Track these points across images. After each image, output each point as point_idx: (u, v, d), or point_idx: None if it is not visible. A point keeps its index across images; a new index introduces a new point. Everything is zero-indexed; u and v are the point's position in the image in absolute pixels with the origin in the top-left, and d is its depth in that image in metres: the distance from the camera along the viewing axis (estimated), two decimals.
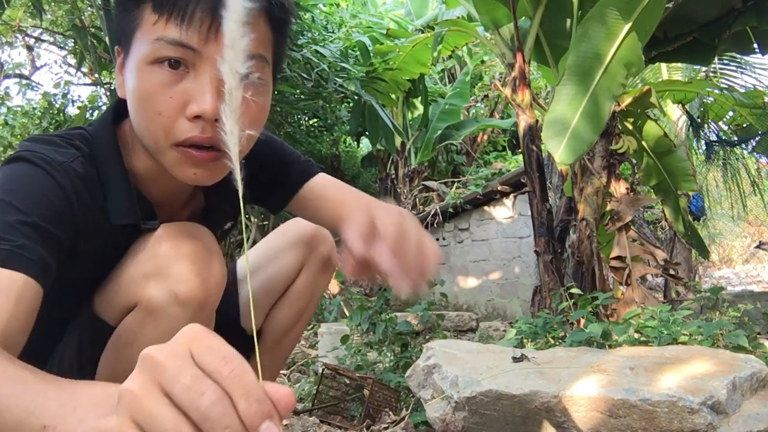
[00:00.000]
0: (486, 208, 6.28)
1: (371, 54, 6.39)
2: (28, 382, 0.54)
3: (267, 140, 1.07)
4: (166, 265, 0.84)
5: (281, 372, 2.61)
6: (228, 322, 1.19)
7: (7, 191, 0.73)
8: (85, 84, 8.84)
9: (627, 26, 2.41)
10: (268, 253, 1.25)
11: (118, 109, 0.88)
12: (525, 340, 2.20)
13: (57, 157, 0.79)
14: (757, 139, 4.23)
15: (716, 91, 4.18)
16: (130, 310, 0.86)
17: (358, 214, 0.84)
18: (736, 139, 4.58)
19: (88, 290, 0.92)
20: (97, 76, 6.20)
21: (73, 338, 0.91)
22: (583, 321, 2.20)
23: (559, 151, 2.49)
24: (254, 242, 6.24)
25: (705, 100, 4.62)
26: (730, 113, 4.38)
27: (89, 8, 5.31)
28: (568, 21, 3.09)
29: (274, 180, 1.07)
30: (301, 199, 1.06)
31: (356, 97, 6.42)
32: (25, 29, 6.97)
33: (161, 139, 0.78)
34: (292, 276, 1.23)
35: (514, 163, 7.87)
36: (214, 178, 0.82)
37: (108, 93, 4.96)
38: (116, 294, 0.88)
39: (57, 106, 7.33)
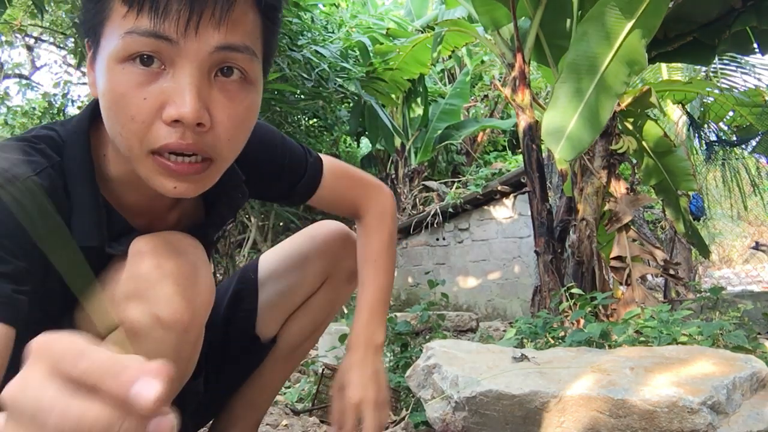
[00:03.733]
0: (486, 208, 6.28)
1: (371, 54, 6.39)
2: None
3: (268, 141, 1.02)
4: (148, 287, 0.76)
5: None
6: (242, 328, 1.16)
7: None
8: (84, 83, 8.83)
9: (629, 25, 2.41)
10: (293, 258, 1.17)
11: (96, 108, 0.77)
12: (525, 340, 2.20)
13: (19, 170, 0.69)
14: (757, 139, 4.23)
15: (716, 91, 4.18)
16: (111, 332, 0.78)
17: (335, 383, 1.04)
18: (736, 139, 4.58)
19: (62, 312, 0.83)
20: None
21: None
22: (582, 321, 2.20)
23: (558, 148, 2.49)
24: (254, 242, 6.24)
25: (705, 100, 4.62)
26: (730, 113, 4.38)
27: None
28: (568, 21, 3.10)
29: (279, 186, 1.05)
30: (315, 199, 1.08)
31: (356, 97, 6.42)
32: (25, 29, 6.97)
33: (135, 146, 0.68)
34: (315, 287, 1.17)
35: (514, 163, 7.87)
36: (198, 190, 0.73)
37: None
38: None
39: (57, 106, 7.33)
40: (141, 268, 0.77)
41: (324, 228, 1.18)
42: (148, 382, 0.28)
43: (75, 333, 0.31)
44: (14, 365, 0.67)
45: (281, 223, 7.25)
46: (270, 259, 1.22)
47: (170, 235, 0.81)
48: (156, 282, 0.77)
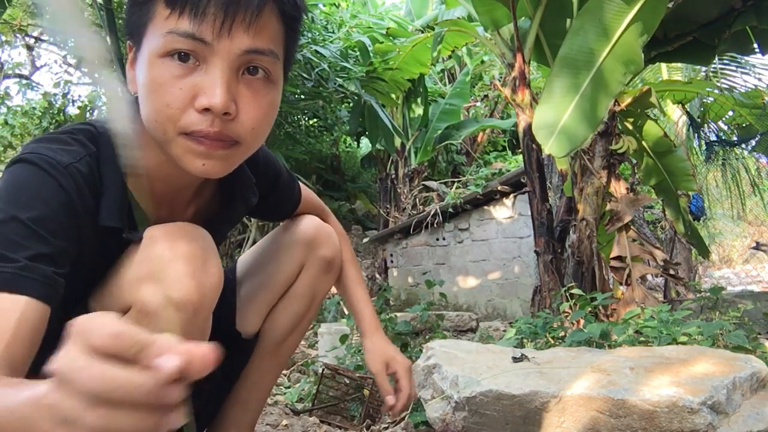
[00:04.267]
0: (486, 208, 6.28)
1: (371, 54, 6.39)
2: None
3: (266, 155, 1.14)
4: (161, 268, 0.82)
5: (282, 372, 2.60)
6: (223, 324, 1.17)
7: (11, 201, 0.73)
8: (85, 83, 8.83)
9: (626, 21, 2.40)
10: (268, 252, 1.22)
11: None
12: (525, 340, 2.20)
13: (62, 158, 0.78)
14: (757, 139, 4.23)
15: (716, 91, 4.19)
16: (125, 313, 0.84)
17: (379, 362, 1.19)
18: (736, 139, 4.58)
19: (81, 294, 0.89)
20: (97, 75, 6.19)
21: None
22: (582, 321, 2.20)
23: (549, 142, 2.47)
24: (254, 242, 6.24)
25: (705, 100, 4.62)
26: (730, 113, 4.38)
27: (90, 8, 5.31)
28: (568, 21, 3.09)
29: (272, 199, 1.17)
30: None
31: (356, 97, 6.43)
32: (25, 29, 6.97)
33: (169, 129, 0.77)
34: (291, 276, 1.20)
35: (514, 163, 7.88)
36: (223, 169, 0.82)
37: None
38: (111, 297, 0.86)
39: (57, 105, 7.33)
40: (154, 251, 0.82)
41: (296, 220, 1.24)
42: (170, 356, 0.38)
43: (108, 314, 0.39)
44: (49, 339, 0.71)
45: (281, 223, 7.24)
46: (246, 257, 1.27)
47: (182, 225, 0.87)
48: (168, 263, 0.81)
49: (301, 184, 1.27)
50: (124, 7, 0.87)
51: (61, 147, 0.80)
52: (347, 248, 1.31)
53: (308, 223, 1.22)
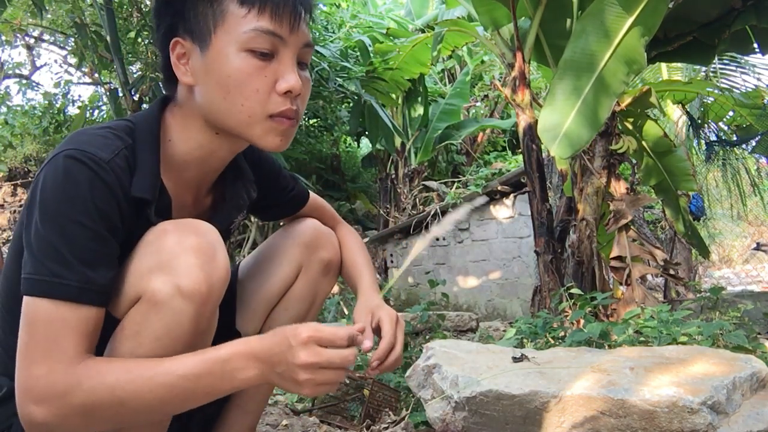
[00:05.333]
0: (486, 208, 6.28)
1: (371, 54, 6.39)
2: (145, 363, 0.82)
3: (269, 158, 1.22)
4: (171, 259, 0.85)
5: None
6: (223, 323, 1.16)
7: (67, 201, 0.81)
8: (85, 83, 8.83)
9: (628, 23, 2.40)
10: (268, 253, 1.24)
11: (166, 99, 0.99)
12: (525, 340, 2.20)
13: (104, 154, 0.85)
14: (757, 139, 4.23)
15: (716, 91, 4.18)
16: (134, 303, 0.87)
17: (363, 314, 1.10)
18: (736, 139, 4.58)
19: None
20: (97, 75, 6.20)
21: None
22: (582, 321, 2.20)
23: (554, 145, 2.48)
24: (254, 242, 6.24)
25: (705, 100, 4.62)
26: (730, 113, 4.38)
27: (90, 7, 5.31)
28: (568, 21, 3.09)
29: (272, 193, 1.23)
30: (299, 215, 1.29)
31: (356, 97, 6.43)
32: (25, 28, 6.97)
33: (258, 112, 0.90)
34: (290, 277, 1.21)
35: (514, 163, 7.87)
36: (288, 144, 0.95)
37: (108, 93, 4.95)
38: (122, 286, 0.88)
39: (57, 105, 7.33)
40: (165, 243, 0.87)
41: (296, 223, 1.26)
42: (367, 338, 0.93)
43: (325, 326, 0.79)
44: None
45: (281, 223, 7.24)
46: (248, 260, 1.29)
47: (191, 220, 0.92)
48: (178, 254, 0.85)
49: (312, 192, 1.32)
50: (162, 6, 0.95)
51: (102, 141, 0.87)
52: (353, 237, 1.32)
53: (307, 225, 1.24)
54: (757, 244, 8.28)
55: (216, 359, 0.81)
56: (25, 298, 0.81)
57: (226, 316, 1.18)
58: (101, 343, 0.88)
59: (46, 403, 0.77)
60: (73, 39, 5.78)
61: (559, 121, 2.48)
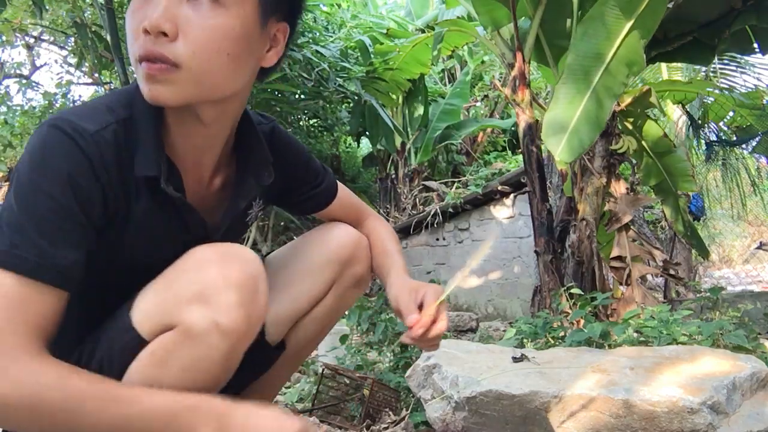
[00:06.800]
0: (486, 208, 6.28)
1: (371, 54, 6.38)
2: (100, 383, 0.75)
3: (295, 142, 1.13)
4: (213, 293, 0.81)
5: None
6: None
7: (38, 169, 0.76)
8: (85, 83, 8.84)
9: (628, 25, 2.40)
10: (303, 265, 1.19)
11: None
12: (525, 340, 2.20)
13: (89, 126, 0.80)
14: (757, 139, 4.23)
15: (716, 91, 4.18)
16: (167, 329, 0.83)
17: (405, 292, 1.05)
18: (736, 139, 4.58)
19: (130, 252, 0.90)
20: (97, 75, 6.20)
21: (105, 340, 0.88)
22: (582, 321, 2.20)
23: (558, 149, 2.48)
24: (254, 242, 6.24)
25: (705, 101, 4.62)
26: (731, 114, 4.38)
27: (90, 7, 5.31)
28: (568, 21, 3.09)
29: (297, 184, 1.14)
30: (326, 213, 1.20)
31: (356, 97, 6.42)
32: (25, 28, 6.96)
33: (132, 57, 0.81)
34: (322, 294, 1.18)
35: (514, 163, 7.87)
36: (172, 96, 0.81)
37: (108, 93, 4.94)
38: (157, 308, 0.85)
39: (57, 105, 7.33)
40: (208, 274, 0.82)
41: (335, 232, 1.19)
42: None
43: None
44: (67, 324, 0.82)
45: (281, 223, 7.25)
46: (279, 262, 1.22)
47: (235, 246, 0.87)
48: (221, 289, 0.81)
49: (340, 185, 1.23)
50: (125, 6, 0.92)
51: (90, 115, 0.82)
52: (385, 227, 1.27)
53: (345, 239, 1.18)
54: (760, 243, 8.28)
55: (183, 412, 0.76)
56: None
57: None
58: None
59: None
60: (73, 39, 5.78)
61: (564, 126, 2.49)
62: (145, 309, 0.86)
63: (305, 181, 1.15)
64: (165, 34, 0.77)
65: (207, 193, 0.97)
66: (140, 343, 0.85)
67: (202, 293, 0.81)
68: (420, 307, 1.03)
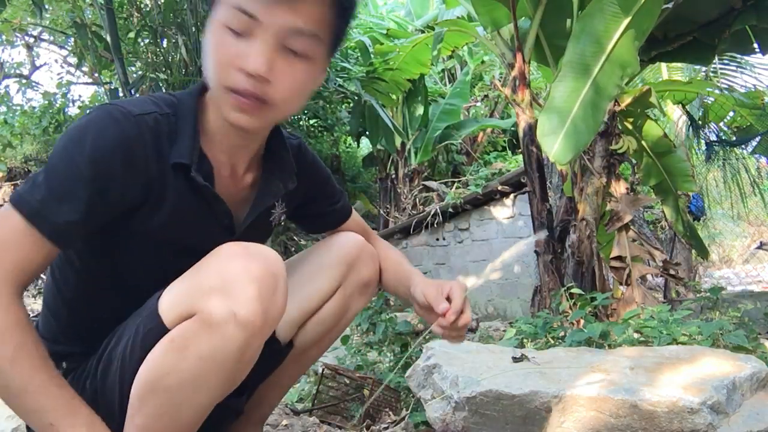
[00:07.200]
0: (486, 208, 6.28)
1: (371, 54, 6.38)
2: (46, 380, 0.82)
3: (318, 161, 1.25)
4: (233, 284, 0.85)
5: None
6: None
7: (73, 138, 0.87)
8: (85, 83, 8.83)
9: (624, 24, 2.40)
10: (311, 267, 1.25)
11: (204, 83, 1.02)
12: (525, 340, 2.20)
13: (133, 109, 0.91)
14: (757, 139, 4.23)
15: (716, 91, 4.18)
16: (188, 317, 0.87)
17: (432, 287, 1.14)
18: (736, 139, 4.58)
19: (163, 233, 0.96)
20: (97, 75, 6.20)
21: (133, 325, 0.93)
22: (582, 321, 2.20)
23: (553, 149, 2.47)
24: None
25: (705, 101, 4.62)
26: (731, 114, 4.38)
27: (90, 7, 5.31)
28: (568, 21, 3.09)
29: (315, 200, 1.24)
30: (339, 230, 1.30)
31: (356, 97, 6.43)
32: (25, 28, 6.97)
33: (217, 83, 0.91)
34: (329, 294, 1.23)
35: (514, 163, 7.87)
36: (253, 124, 0.93)
37: (108, 93, 4.95)
38: (181, 298, 0.90)
39: (57, 105, 7.33)
40: (231, 267, 0.87)
41: (342, 238, 1.26)
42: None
43: None
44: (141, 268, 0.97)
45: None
46: (289, 266, 1.26)
47: (261, 247, 0.92)
48: (241, 283, 0.86)
49: (353, 209, 1.36)
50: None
51: (138, 102, 0.94)
52: (394, 251, 1.40)
53: (351, 242, 1.25)
54: (760, 243, 8.29)
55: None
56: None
57: None
58: None
59: None
60: (73, 39, 5.78)
61: (559, 126, 2.48)
62: (171, 298, 0.91)
63: (324, 196, 1.25)
64: (263, 78, 0.89)
65: (236, 189, 1.05)
66: (163, 331, 0.89)
67: (223, 285, 0.86)
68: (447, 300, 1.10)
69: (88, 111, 0.90)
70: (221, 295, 0.85)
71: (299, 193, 1.17)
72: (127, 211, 0.92)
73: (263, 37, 0.88)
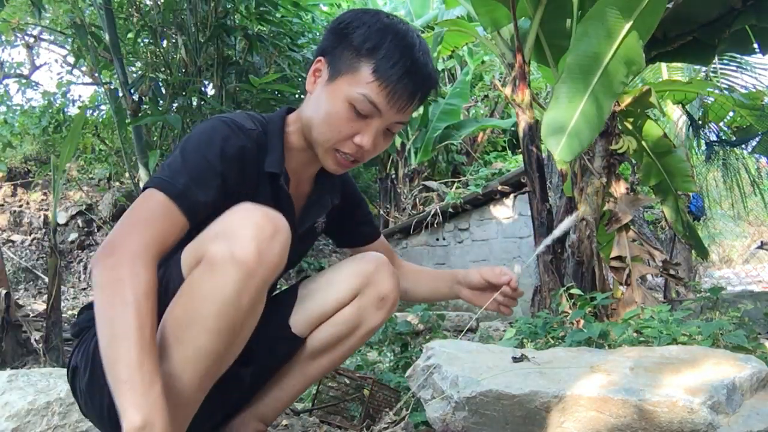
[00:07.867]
0: (486, 208, 6.28)
1: None
2: (148, 341, 0.88)
3: (354, 182, 1.48)
4: (234, 228, 0.96)
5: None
6: (278, 318, 1.32)
7: (205, 142, 1.09)
8: (85, 83, 8.83)
9: (628, 25, 2.40)
10: (332, 276, 1.35)
11: (291, 108, 1.28)
12: (525, 340, 2.20)
13: (246, 125, 1.16)
14: (757, 139, 4.22)
15: (716, 91, 4.18)
16: (197, 264, 0.98)
17: (484, 269, 1.38)
18: (736, 139, 4.58)
19: None
20: (97, 75, 6.20)
21: (168, 272, 1.06)
22: (582, 321, 2.20)
23: (558, 149, 2.48)
24: None
25: (705, 101, 4.62)
26: (731, 114, 4.38)
27: (90, 7, 5.31)
28: (568, 21, 3.09)
29: (349, 217, 1.46)
30: (367, 250, 1.46)
31: None
32: (24, 28, 6.97)
33: (331, 143, 1.16)
34: (345, 300, 1.31)
35: (514, 163, 7.87)
36: (340, 172, 1.24)
37: (108, 92, 4.95)
38: (193, 246, 1.02)
39: (57, 105, 7.33)
40: (236, 215, 0.98)
41: (365, 255, 1.38)
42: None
43: None
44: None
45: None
46: (313, 277, 1.41)
47: (272, 210, 1.02)
48: (242, 226, 0.96)
49: (383, 236, 1.58)
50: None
51: (246, 118, 1.18)
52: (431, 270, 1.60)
53: (372, 259, 1.34)
54: (761, 243, 8.29)
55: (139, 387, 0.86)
56: (144, 191, 1.02)
57: (283, 317, 1.32)
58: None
59: (111, 256, 0.92)
60: (72, 39, 5.78)
61: (564, 125, 2.48)
62: (188, 249, 1.04)
63: (359, 211, 1.48)
64: (368, 151, 1.17)
65: (300, 193, 1.28)
66: (182, 279, 1.01)
67: (226, 229, 0.97)
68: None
69: (205, 120, 1.19)
70: (223, 238, 0.95)
71: (338, 207, 1.39)
72: (232, 200, 1.04)
73: (378, 124, 1.15)
